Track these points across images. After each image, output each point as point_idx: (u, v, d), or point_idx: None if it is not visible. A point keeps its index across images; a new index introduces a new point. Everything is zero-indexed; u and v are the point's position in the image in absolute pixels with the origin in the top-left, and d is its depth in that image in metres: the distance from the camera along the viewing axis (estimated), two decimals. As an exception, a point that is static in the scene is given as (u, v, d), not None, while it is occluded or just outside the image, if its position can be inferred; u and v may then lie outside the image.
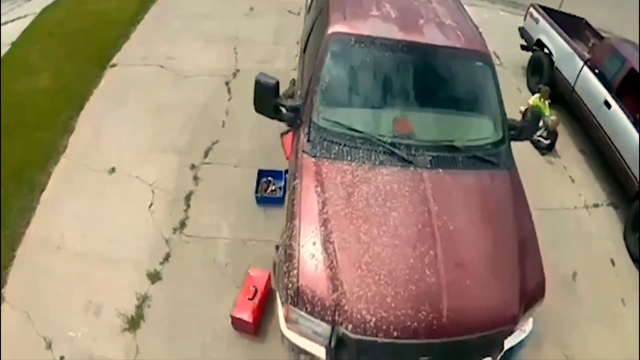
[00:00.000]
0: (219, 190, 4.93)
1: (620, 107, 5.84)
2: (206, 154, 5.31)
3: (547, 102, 6.78)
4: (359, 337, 2.76)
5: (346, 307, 2.76)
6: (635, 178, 5.43)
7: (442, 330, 2.79)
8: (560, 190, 5.95)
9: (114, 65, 6.47)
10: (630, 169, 5.55)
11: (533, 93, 7.26)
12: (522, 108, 6.96)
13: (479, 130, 3.75)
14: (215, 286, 4.12)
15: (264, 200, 4.78)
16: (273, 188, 4.88)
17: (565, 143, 6.65)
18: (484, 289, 2.96)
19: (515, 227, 3.29)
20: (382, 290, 2.81)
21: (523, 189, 3.62)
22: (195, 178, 5.04)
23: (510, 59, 8.10)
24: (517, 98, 7.26)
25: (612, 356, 4.25)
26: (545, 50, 7.32)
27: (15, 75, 6.09)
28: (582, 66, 6.56)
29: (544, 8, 7.73)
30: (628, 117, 5.68)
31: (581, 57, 6.68)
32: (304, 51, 4.70)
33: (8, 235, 4.29)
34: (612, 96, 5.98)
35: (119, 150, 5.20)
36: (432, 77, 3.75)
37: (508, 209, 3.37)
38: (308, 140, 3.40)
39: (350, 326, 2.75)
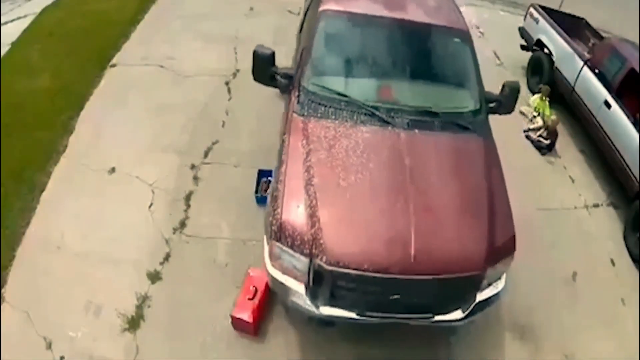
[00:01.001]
0: (219, 190, 4.93)
1: (620, 107, 5.84)
2: (206, 154, 5.31)
3: (547, 101, 6.79)
4: (333, 268, 3.04)
5: (322, 241, 3.06)
6: (635, 178, 5.43)
7: (410, 267, 3.04)
8: (560, 190, 5.95)
9: (114, 65, 6.47)
10: (630, 169, 5.54)
11: (533, 93, 7.26)
12: (522, 108, 6.99)
13: (456, 99, 4.06)
14: (215, 286, 4.12)
15: (264, 200, 4.74)
16: (273, 188, 4.88)
17: (565, 143, 6.65)
18: (451, 234, 3.22)
19: (485, 185, 3.54)
20: (355, 228, 3.14)
21: (497, 155, 3.87)
22: (195, 178, 5.04)
23: (510, 59, 8.09)
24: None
25: (612, 356, 4.25)
26: (545, 50, 7.32)
27: (15, 75, 6.09)
28: (582, 66, 6.56)
29: (544, 8, 7.72)
30: (628, 117, 5.68)
31: (581, 57, 6.68)
32: (300, 31, 5.12)
33: (8, 235, 4.29)
34: (612, 96, 5.98)
35: (119, 150, 5.20)
36: (414, 51, 4.09)
37: (479, 169, 3.65)
38: (298, 102, 3.77)
39: (324, 258, 3.04)
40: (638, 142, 5.41)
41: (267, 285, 3.91)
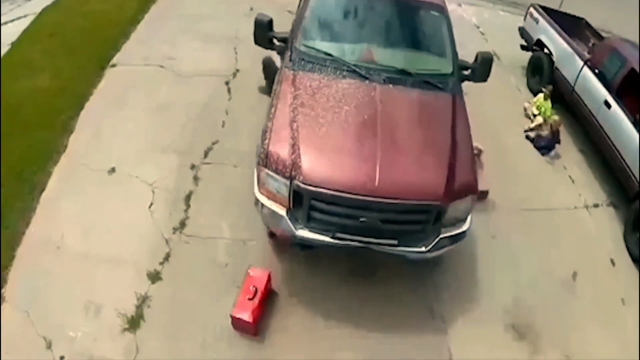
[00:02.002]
0: (219, 190, 4.93)
1: (620, 107, 5.84)
2: (206, 154, 5.32)
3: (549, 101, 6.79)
4: (308, 187, 3.55)
5: (300, 164, 3.60)
6: (635, 178, 5.43)
7: (374, 190, 3.52)
8: (560, 190, 5.95)
9: (114, 65, 6.47)
10: (630, 169, 5.54)
11: (533, 93, 7.25)
12: (525, 106, 6.99)
13: (430, 63, 4.58)
14: (215, 286, 4.12)
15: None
16: (273, 188, 4.90)
17: (565, 143, 6.64)
18: (412, 167, 3.74)
19: (449, 133, 4.01)
20: (328, 155, 3.70)
21: (465, 113, 4.33)
22: (195, 178, 5.04)
23: (510, 59, 8.09)
24: (518, 98, 7.26)
25: (612, 356, 4.25)
26: (545, 50, 7.32)
27: (15, 75, 6.09)
28: (582, 66, 6.57)
29: (544, 8, 7.73)
30: (628, 117, 5.68)
31: (581, 57, 6.69)
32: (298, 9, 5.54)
33: (8, 235, 4.29)
34: (612, 96, 5.98)
35: (119, 150, 5.21)
36: (394, 21, 4.62)
37: (445, 120, 4.13)
38: (290, 60, 4.36)
39: (301, 177, 3.57)
40: (638, 142, 5.42)
41: (267, 285, 3.93)
